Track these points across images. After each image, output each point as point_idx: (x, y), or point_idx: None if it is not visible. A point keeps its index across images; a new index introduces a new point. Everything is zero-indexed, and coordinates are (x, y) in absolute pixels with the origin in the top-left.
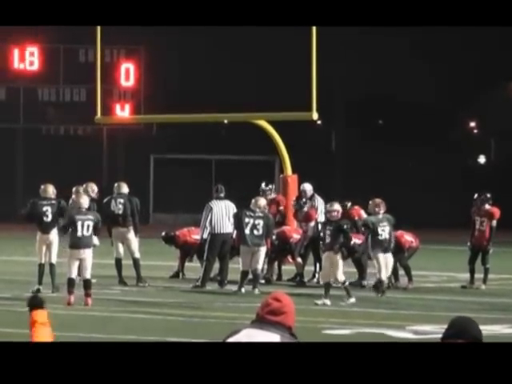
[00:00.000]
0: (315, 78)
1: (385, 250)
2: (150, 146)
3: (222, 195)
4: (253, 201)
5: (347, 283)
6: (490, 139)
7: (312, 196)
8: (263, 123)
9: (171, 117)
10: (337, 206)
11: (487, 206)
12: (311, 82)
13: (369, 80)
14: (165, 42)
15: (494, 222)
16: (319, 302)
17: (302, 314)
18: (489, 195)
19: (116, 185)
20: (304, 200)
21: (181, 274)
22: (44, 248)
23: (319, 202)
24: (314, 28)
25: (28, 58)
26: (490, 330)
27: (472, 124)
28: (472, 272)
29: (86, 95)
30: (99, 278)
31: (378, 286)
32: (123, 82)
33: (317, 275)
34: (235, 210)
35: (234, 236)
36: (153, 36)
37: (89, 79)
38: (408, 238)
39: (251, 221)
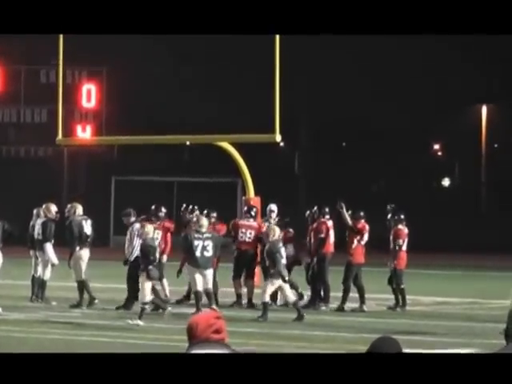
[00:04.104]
0: (278, 100)
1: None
2: (111, 167)
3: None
4: (195, 221)
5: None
6: (455, 162)
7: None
8: (226, 145)
9: (133, 138)
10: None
11: (399, 227)
12: (274, 104)
13: (332, 103)
14: (127, 64)
15: (400, 241)
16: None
17: (264, 338)
18: (402, 216)
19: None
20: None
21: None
22: None
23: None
24: (277, 47)
25: None
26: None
27: (436, 147)
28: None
29: (47, 116)
30: (59, 301)
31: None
32: (85, 103)
33: (279, 297)
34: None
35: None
36: (115, 58)
37: (50, 100)
38: (363, 243)
39: (200, 243)
